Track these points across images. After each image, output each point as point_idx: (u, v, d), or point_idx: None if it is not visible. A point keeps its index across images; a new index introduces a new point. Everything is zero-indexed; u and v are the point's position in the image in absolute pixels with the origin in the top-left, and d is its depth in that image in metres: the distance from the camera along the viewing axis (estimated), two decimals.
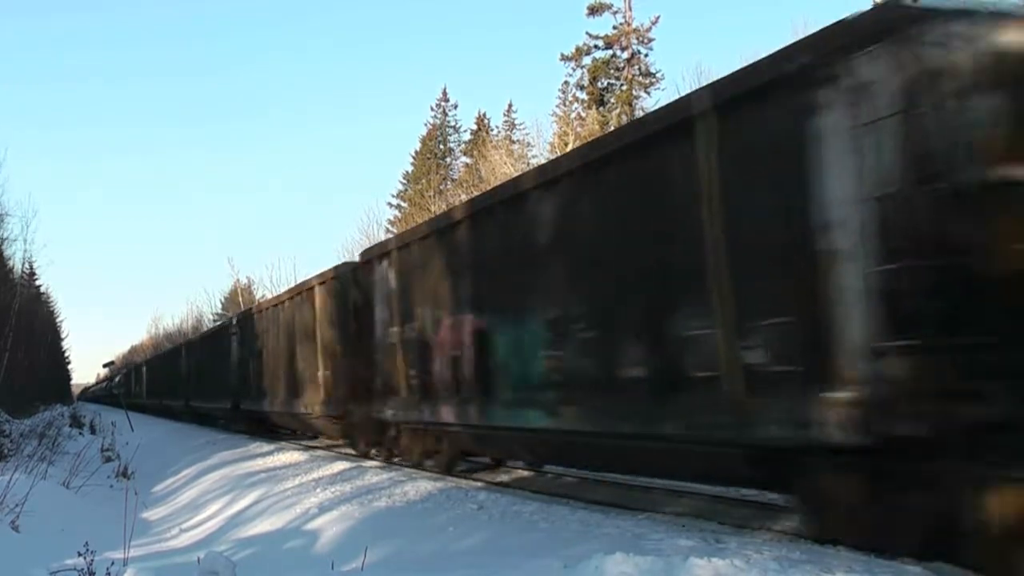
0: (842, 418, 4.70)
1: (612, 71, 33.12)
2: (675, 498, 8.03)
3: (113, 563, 5.71)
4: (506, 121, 43.50)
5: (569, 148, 26.49)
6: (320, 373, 13.88)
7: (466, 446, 10.16)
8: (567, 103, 34.79)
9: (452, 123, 47.60)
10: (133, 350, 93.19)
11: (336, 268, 13.76)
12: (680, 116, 6.07)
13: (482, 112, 44.95)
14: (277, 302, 17.84)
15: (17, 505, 7.89)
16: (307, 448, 16.10)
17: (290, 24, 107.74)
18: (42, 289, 39.69)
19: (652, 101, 31.58)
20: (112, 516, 8.73)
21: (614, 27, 32.74)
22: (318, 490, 9.73)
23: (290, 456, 14.20)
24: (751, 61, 5.77)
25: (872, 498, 4.82)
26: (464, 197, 28.93)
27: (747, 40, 57.81)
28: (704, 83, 6.94)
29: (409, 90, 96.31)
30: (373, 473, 10.68)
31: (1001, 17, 4.51)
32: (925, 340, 4.36)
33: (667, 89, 31.82)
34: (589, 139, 25.68)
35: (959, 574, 4.61)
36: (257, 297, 46.72)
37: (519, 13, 79.58)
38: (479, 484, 9.42)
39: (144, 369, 46.89)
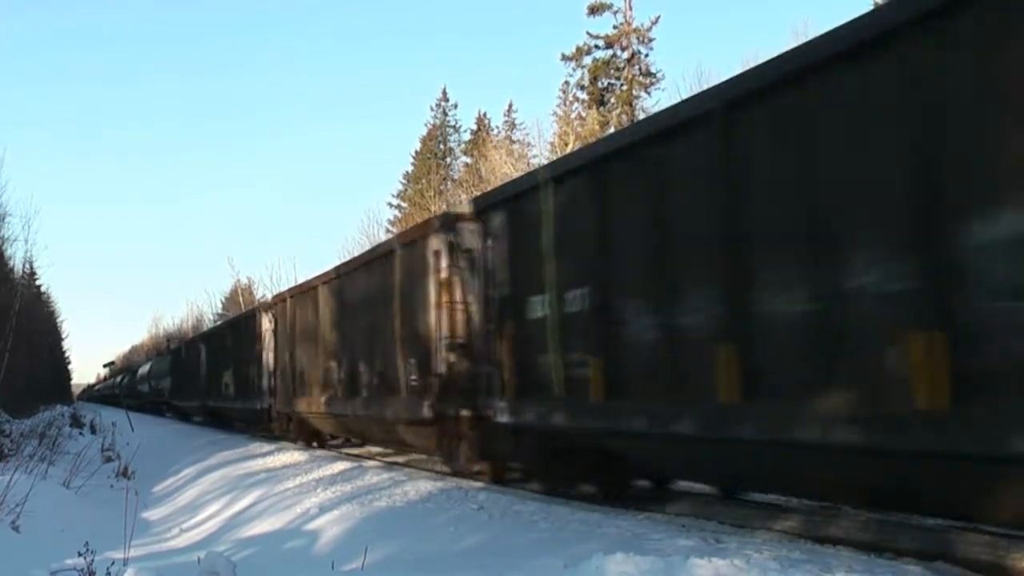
0: None
1: (612, 71, 33.18)
2: (675, 498, 8.03)
3: (113, 563, 5.70)
4: (506, 121, 43.67)
5: (569, 148, 26.49)
6: (400, 363, 11.11)
7: (662, 467, 7.96)
8: (567, 103, 34.89)
9: (452, 123, 47.76)
10: (133, 350, 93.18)
11: (432, 221, 10.69)
12: None
13: (482, 112, 45.18)
14: (339, 274, 14.21)
15: (17, 505, 7.88)
16: (307, 448, 16.10)
17: (290, 24, 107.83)
18: (43, 289, 39.73)
19: (652, 101, 31.69)
20: (112, 516, 8.72)
21: (614, 27, 32.82)
22: (318, 490, 9.73)
23: (290, 456, 14.19)
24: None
25: None
26: (465, 198, 28.94)
27: (747, 40, 57.94)
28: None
29: (409, 90, 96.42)
30: (373, 473, 10.68)
31: None
32: None
33: (667, 89, 31.95)
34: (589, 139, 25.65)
35: (959, 574, 4.62)
36: (257, 297, 46.67)
37: (519, 13, 79.74)
38: (479, 484, 9.40)
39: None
